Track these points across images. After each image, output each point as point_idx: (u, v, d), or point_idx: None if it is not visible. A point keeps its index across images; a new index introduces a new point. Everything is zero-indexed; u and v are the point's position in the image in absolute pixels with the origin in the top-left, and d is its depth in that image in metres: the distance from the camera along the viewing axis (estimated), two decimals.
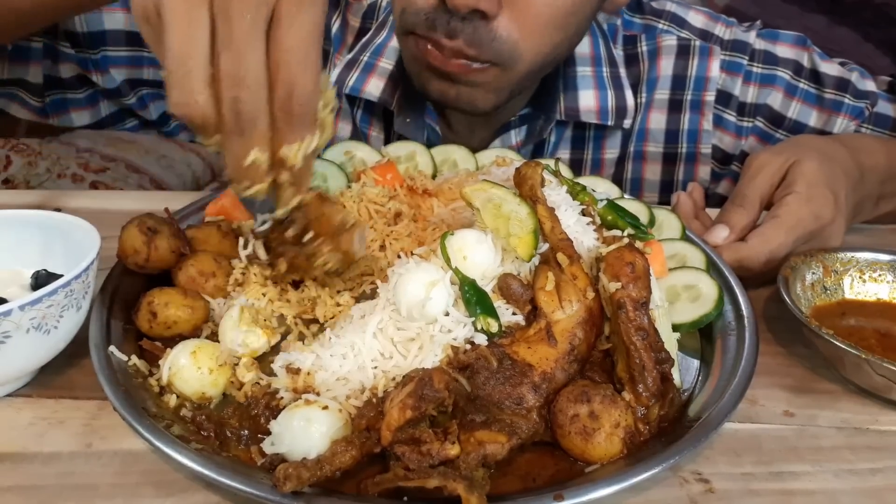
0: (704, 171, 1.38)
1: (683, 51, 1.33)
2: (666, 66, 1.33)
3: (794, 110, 1.33)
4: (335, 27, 1.35)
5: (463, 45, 1.05)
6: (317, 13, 0.65)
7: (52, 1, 1.05)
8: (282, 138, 0.67)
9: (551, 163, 0.97)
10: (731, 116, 1.34)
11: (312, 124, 0.68)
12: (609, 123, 1.31)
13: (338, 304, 0.83)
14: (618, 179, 1.38)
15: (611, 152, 1.37)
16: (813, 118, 1.34)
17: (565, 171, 1.02)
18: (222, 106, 0.64)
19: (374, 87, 1.26)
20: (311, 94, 0.67)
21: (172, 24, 0.63)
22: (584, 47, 1.29)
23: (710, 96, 1.33)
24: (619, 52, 1.34)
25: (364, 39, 1.31)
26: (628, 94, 1.31)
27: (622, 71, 1.32)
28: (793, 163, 1.03)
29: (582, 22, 1.14)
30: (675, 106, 1.35)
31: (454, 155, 1.15)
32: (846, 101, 1.32)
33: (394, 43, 1.26)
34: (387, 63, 1.27)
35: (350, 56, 1.30)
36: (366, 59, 1.28)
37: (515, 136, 1.32)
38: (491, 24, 1.04)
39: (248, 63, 0.63)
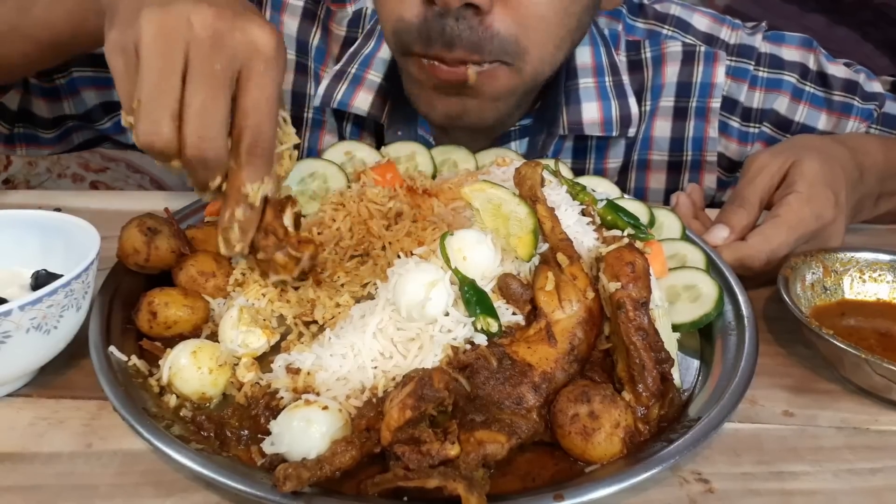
0: (710, 179, 1.36)
1: (688, 57, 1.30)
2: (671, 73, 1.31)
3: (802, 114, 1.31)
4: (315, 41, 1.30)
5: (464, 52, 1.02)
6: (280, 74, 0.74)
7: (31, 52, 1.05)
8: (245, 177, 0.74)
9: (551, 163, 0.97)
10: (735, 123, 1.32)
11: (270, 167, 0.76)
12: (614, 134, 1.27)
13: (337, 305, 0.83)
14: (621, 188, 1.35)
15: (614, 161, 1.34)
16: (822, 121, 1.32)
17: (565, 172, 1.02)
18: (184, 141, 0.71)
19: (363, 102, 1.23)
20: (272, 141, 0.75)
21: (150, 61, 0.69)
22: (584, 57, 1.26)
23: (716, 103, 1.31)
24: (622, 59, 1.31)
25: (351, 50, 1.27)
26: (632, 101, 1.28)
27: (625, 78, 1.29)
28: (793, 163, 1.03)
29: (582, 16, 1.11)
30: (679, 113, 1.32)
31: (454, 155, 1.15)
32: (855, 103, 1.30)
33: (381, 54, 1.24)
34: (375, 75, 1.24)
35: (338, 67, 1.26)
36: (354, 71, 1.25)
37: (516, 148, 1.29)
38: (486, 21, 1.01)
39: (217, 108, 0.71)
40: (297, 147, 0.83)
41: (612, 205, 0.93)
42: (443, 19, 1.00)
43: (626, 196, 1.09)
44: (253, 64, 0.71)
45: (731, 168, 1.37)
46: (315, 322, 0.83)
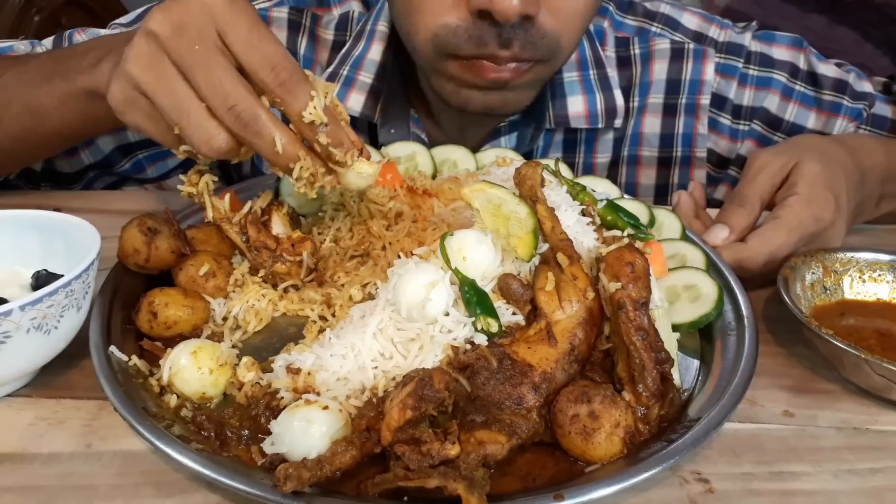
0: (700, 175, 1.37)
1: (677, 54, 1.32)
2: (659, 69, 1.32)
3: (792, 113, 1.33)
4: (302, 49, 1.30)
5: (518, 49, 1.04)
6: (247, 7, 0.75)
7: (35, 139, 1.06)
8: (297, 109, 0.75)
9: (551, 163, 0.97)
10: (725, 120, 1.34)
11: (307, 82, 0.76)
12: (600, 126, 1.29)
13: (350, 298, 0.85)
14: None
15: (602, 156, 1.35)
16: (811, 120, 1.33)
17: (565, 172, 1.02)
18: (225, 122, 0.73)
19: (355, 103, 1.24)
20: (286, 56, 0.75)
21: (155, 88, 0.74)
22: None
23: (705, 100, 1.32)
24: (610, 54, 1.33)
25: (342, 52, 1.27)
26: (617, 93, 1.30)
27: (610, 72, 1.30)
28: (794, 164, 1.03)
29: (595, 10, 1.14)
30: (669, 110, 1.34)
31: (454, 155, 1.15)
32: (845, 102, 1.31)
33: (372, 55, 1.24)
34: (366, 76, 1.24)
35: (330, 70, 1.27)
36: (345, 73, 1.25)
37: (505, 143, 1.30)
38: (538, 24, 1.03)
39: (219, 75, 0.73)
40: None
41: (612, 205, 0.93)
42: (497, 27, 1.02)
43: (625, 196, 1.09)
44: (219, 19, 0.73)
45: (720, 164, 1.38)
46: (329, 317, 0.85)
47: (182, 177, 0.89)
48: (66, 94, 0.97)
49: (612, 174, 1.37)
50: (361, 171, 0.79)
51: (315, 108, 0.74)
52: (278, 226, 0.91)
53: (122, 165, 1.30)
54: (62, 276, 0.74)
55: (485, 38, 1.03)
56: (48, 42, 1.25)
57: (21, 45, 1.23)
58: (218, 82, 0.73)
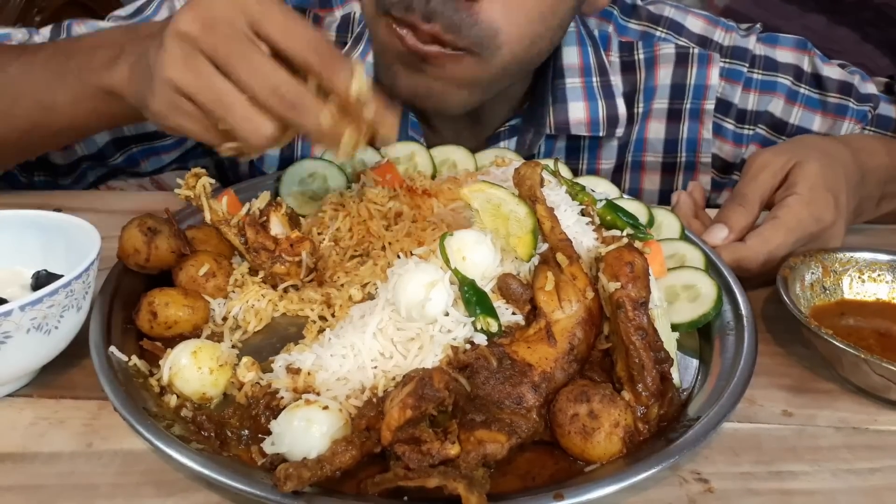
0: (704, 180, 1.36)
1: (682, 59, 1.31)
2: (664, 75, 1.31)
3: (797, 116, 1.32)
4: None
5: (440, 29, 1.00)
6: None
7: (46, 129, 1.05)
8: (340, 82, 0.75)
9: (550, 163, 0.97)
10: (730, 125, 1.33)
11: (347, 60, 0.76)
12: (601, 134, 1.28)
13: (350, 298, 0.85)
14: None
15: (606, 162, 1.34)
16: (816, 123, 1.32)
17: (565, 172, 1.02)
18: (274, 108, 0.73)
19: None
20: (324, 37, 0.78)
21: (195, 89, 0.74)
22: (572, 57, 1.26)
23: (710, 105, 1.31)
24: (614, 59, 1.32)
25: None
26: (619, 102, 1.28)
27: (613, 79, 1.29)
28: (794, 164, 1.03)
29: (564, 17, 1.10)
30: (673, 115, 1.33)
31: (453, 155, 1.15)
32: (850, 104, 1.30)
33: (370, 58, 1.22)
34: None
35: None
36: None
37: (506, 147, 1.29)
38: (473, 8, 0.99)
39: (258, 62, 0.73)
40: None
41: (611, 205, 0.93)
42: None
43: (625, 196, 1.09)
44: (251, 10, 0.74)
45: (725, 169, 1.37)
46: (329, 317, 0.85)
47: (179, 180, 0.89)
48: (79, 92, 0.96)
49: (615, 180, 1.35)
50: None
51: (360, 79, 0.75)
52: (277, 226, 0.91)
53: (116, 159, 1.29)
54: (62, 276, 0.74)
55: (413, 3, 1.00)
56: (46, 31, 1.24)
57: (18, 34, 1.22)
58: (258, 70, 0.73)
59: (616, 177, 1.36)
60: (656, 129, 1.34)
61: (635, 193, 1.37)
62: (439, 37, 1.01)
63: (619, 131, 1.29)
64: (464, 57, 1.04)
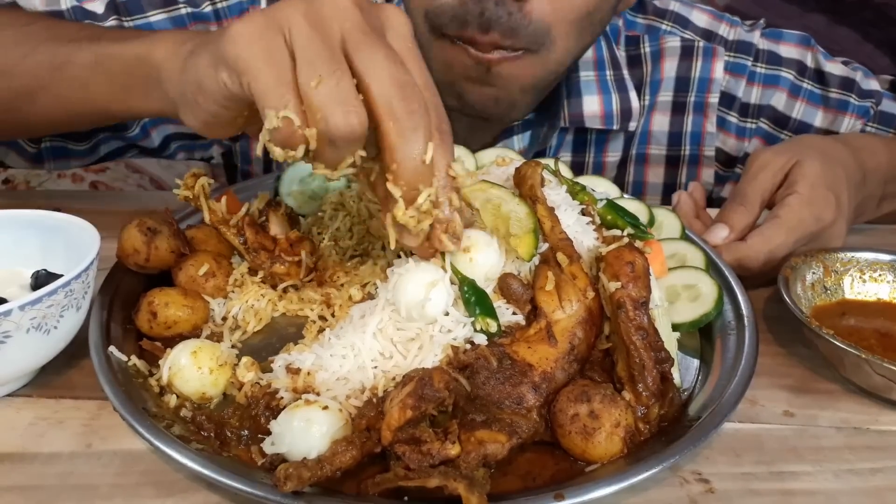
0: (708, 173, 1.37)
1: (687, 52, 1.32)
2: (669, 67, 1.32)
3: (799, 111, 1.32)
4: None
5: (499, 37, 1.03)
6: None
7: (58, 116, 1.01)
8: (446, 158, 0.69)
9: (551, 162, 0.97)
10: (733, 118, 1.34)
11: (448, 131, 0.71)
12: (614, 128, 1.29)
13: (350, 298, 0.85)
14: (620, 182, 1.37)
15: (613, 155, 1.36)
16: (818, 118, 1.33)
17: (565, 171, 1.02)
18: (386, 120, 0.65)
19: None
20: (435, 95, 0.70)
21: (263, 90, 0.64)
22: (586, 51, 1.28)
23: (714, 98, 1.32)
24: (621, 53, 1.33)
25: None
26: (633, 95, 1.30)
27: (625, 72, 1.31)
28: (795, 163, 1.03)
29: (605, 16, 1.13)
30: (678, 108, 1.34)
31: None
32: (852, 100, 1.31)
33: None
34: None
35: None
36: None
37: (518, 142, 1.30)
38: (525, 9, 1.02)
39: (393, 62, 0.65)
40: None
41: (611, 204, 0.93)
42: (481, 3, 1.01)
43: (625, 195, 1.09)
44: (352, 37, 0.65)
45: (728, 163, 1.38)
46: (329, 317, 0.84)
47: (178, 180, 0.89)
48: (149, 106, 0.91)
49: (620, 172, 1.37)
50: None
51: (459, 166, 0.70)
52: (276, 226, 0.91)
53: (133, 130, 1.25)
54: (62, 275, 0.74)
55: (468, 18, 1.02)
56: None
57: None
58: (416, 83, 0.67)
59: (621, 169, 1.37)
60: (660, 122, 1.35)
61: (639, 186, 1.38)
62: (499, 44, 1.04)
63: (633, 125, 1.30)
64: (524, 56, 1.07)
